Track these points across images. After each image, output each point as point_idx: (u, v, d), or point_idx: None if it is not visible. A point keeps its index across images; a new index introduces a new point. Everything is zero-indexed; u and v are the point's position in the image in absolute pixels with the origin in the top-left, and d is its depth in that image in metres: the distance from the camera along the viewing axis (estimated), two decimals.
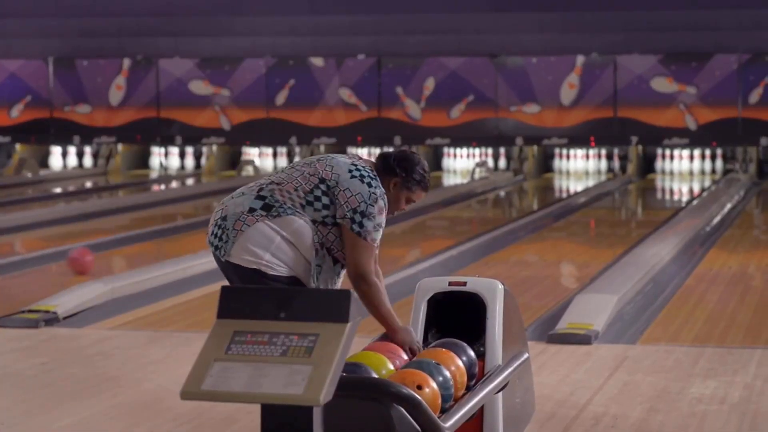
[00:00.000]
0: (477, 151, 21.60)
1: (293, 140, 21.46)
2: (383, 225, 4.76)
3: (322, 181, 4.71)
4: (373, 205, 4.69)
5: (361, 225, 4.67)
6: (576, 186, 19.81)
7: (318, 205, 4.71)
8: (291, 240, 4.69)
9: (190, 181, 21.30)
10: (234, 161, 22.51)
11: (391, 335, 4.84)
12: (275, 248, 4.68)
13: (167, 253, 12.07)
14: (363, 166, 4.79)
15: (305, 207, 4.70)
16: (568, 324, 7.76)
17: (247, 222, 4.68)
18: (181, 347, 7.42)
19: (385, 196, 4.77)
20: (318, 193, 4.70)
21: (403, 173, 4.83)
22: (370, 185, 4.71)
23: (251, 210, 4.69)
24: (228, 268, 4.75)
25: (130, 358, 7.20)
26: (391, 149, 21.66)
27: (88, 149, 22.91)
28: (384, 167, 4.84)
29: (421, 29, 21.44)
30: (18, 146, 22.87)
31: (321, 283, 4.76)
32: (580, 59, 20.50)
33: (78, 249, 10.69)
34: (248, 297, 3.99)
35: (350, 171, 4.73)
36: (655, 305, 8.96)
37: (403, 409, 4.18)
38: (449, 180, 20.73)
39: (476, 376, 4.92)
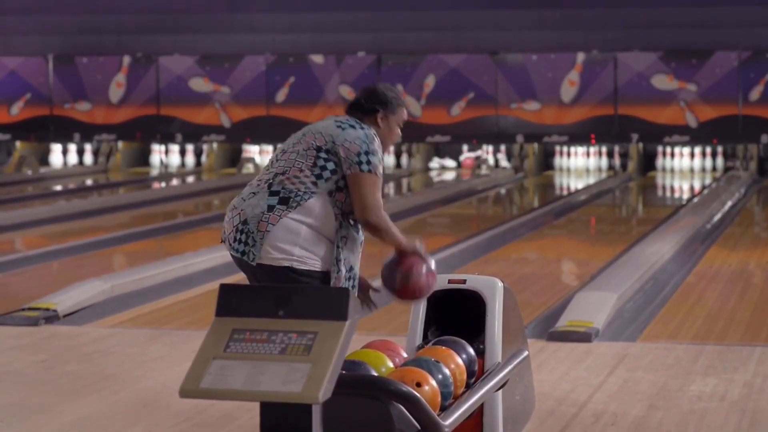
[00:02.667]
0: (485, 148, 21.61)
1: None
2: (383, 160, 4.85)
3: (319, 149, 4.74)
4: (372, 142, 4.78)
5: (369, 162, 4.72)
6: (576, 183, 19.81)
7: (326, 174, 4.72)
8: (315, 226, 4.70)
9: (190, 179, 21.30)
10: (234, 159, 22.50)
11: (400, 250, 4.88)
12: (303, 240, 4.68)
13: (167, 250, 12.07)
14: (346, 119, 4.85)
15: (317, 183, 4.71)
16: (568, 322, 7.76)
17: (270, 221, 4.67)
18: (180, 345, 7.42)
19: (377, 135, 4.85)
20: (321, 162, 4.72)
21: (382, 105, 4.92)
22: (361, 128, 4.79)
23: (270, 208, 4.68)
24: (258, 271, 4.71)
25: (129, 355, 7.19)
26: (391, 147, 21.76)
27: (88, 147, 22.91)
28: (363, 112, 4.90)
29: (421, 26, 21.43)
30: (18, 144, 22.86)
31: (345, 254, 4.77)
32: (580, 56, 20.49)
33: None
34: (247, 295, 3.98)
35: (339, 126, 4.78)
36: (655, 303, 8.96)
37: (402, 407, 4.18)
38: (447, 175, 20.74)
39: (476, 374, 4.92)
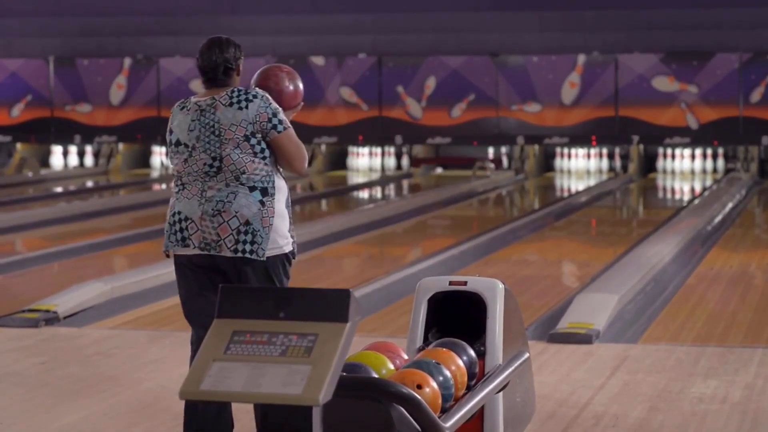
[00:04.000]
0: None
1: None
2: None
3: (248, 137, 4.93)
4: (271, 104, 4.96)
5: (280, 122, 4.95)
6: (577, 185, 19.81)
7: (266, 152, 4.96)
8: (287, 198, 5.04)
9: None
10: None
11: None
12: (289, 219, 5.03)
13: None
14: (230, 95, 4.97)
15: (265, 162, 4.95)
16: (569, 323, 7.76)
17: (269, 215, 4.91)
18: (180, 347, 7.41)
19: (269, 96, 5.01)
20: (260, 147, 4.95)
21: (239, 57, 5.09)
22: (256, 96, 4.95)
23: (261, 203, 4.90)
24: (251, 266, 4.91)
25: (129, 357, 7.19)
26: (392, 149, 21.81)
27: (88, 148, 22.91)
28: (226, 73, 5.04)
29: (422, 28, 21.43)
30: (19, 145, 22.87)
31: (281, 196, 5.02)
32: (581, 58, 20.49)
33: None
34: (248, 296, 3.98)
35: (237, 106, 4.93)
36: (656, 304, 8.95)
37: (403, 409, 4.17)
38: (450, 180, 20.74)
39: (476, 376, 4.91)
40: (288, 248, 4.98)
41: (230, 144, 4.90)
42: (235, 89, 4.98)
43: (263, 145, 4.93)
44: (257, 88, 5.02)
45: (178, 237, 5.03)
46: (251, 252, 4.86)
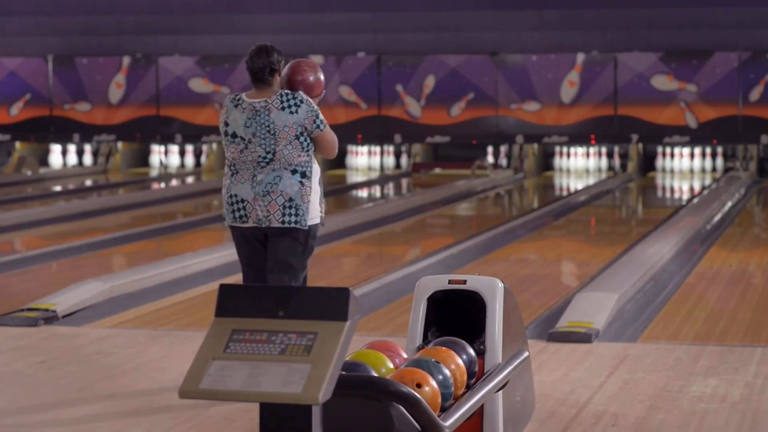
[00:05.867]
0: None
1: None
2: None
3: (297, 137, 6.01)
4: (313, 106, 6.06)
5: (322, 122, 6.09)
6: (576, 184, 19.80)
7: (310, 146, 6.10)
8: (319, 178, 6.18)
9: (190, 180, 21.29)
10: None
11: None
12: (320, 195, 6.19)
13: (167, 251, 12.06)
14: (282, 98, 6.04)
15: (308, 153, 6.07)
16: (568, 322, 7.75)
17: (307, 194, 6.04)
18: (180, 346, 7.41)
19: (306, 95, 6.09)
20: (306, 143, 6.06)
21: (281, 61, 6.23)
22: (301, 100, 6.04)
23: (301, 183, 6.02)
24: (294, 234, 6.03)
25: (129, 356, 7.18)
26: (391, 148, 21.82)
27: (87, 147, 22.90)
28: (271, 74, 6.14)
29: (421, 27, 21.42)
30: (18, 144, 22.86)
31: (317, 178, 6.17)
32: (580, 57, 20.49)
33: None
34: (247, 295, 3.97)
35: (288, 111, 6.01)
36: (655, 303, 8.95)
37: (402, 408, 4.17)
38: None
39: (476, 375, 4.91)
40: (317, 220, 6.13)
41: (283, 141, 6.00)
42: (283, 93, 6.04)
43: (308, 141, 6.06)
44: (300, 93, 6.05)
45: (236, 215, 6.07)
46: (296, 222, 6.00)
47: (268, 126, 5.99)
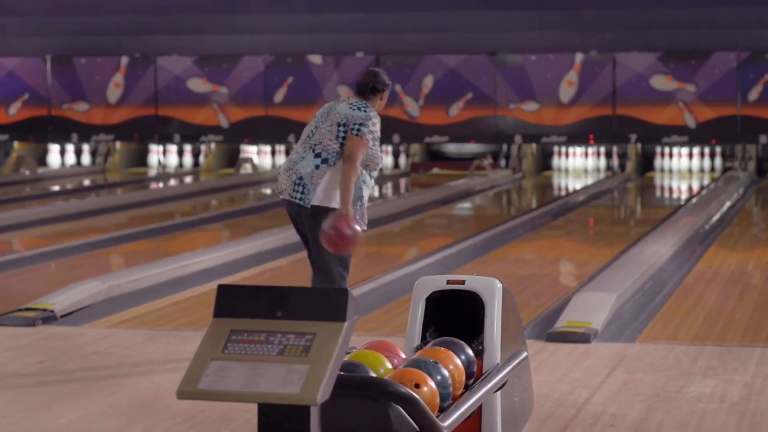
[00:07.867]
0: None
1: (291, 138, 21.43)
2: (376, 135, 6.72)
3: (339, 124, 6.68)
4: (367, 121, 6.67)
5: (359, 130, 6.65)
6: (575, 184, 19.80)
7: (343, 141, 6.66)
8: (359, 188, 6.64)
9: (188, 179, 21.28)
10: (232, 159, 22.49)
11: (340, 210, 6.56)
12: (336, 188, 6.59)
13: (165, 251, 12.05)
14: (356, 101, 6.76)
15: (340, 145, 6.65)
16: (567, 322, 7.74)
17: (318, 176, 6.62)
18: (178, 346, 7.40)
19: (377, 115, 6.73)
20: (342, 135, 6.67)
21: (385, 85, 6.82)
22: (366, 111, 6.71)
23: (317, 167, 6.63)
24: (307, 212, 6.63)
25: (127, 356, 7.18)
26: (389, 148, 21.80)
27: (86, 147, 22.90)
28: (371, 92, 6.79)
29: (419, 27, 21.42)
30: (16, 144, 22.85)
31: (360, 192, 6.68)
32: (579, 57, 20.49)
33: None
34: (245, 295, 3.96)
35: (350, 108, 6.72)
36: (654, 303, 8.94)
37: (401, 408, 4.16)
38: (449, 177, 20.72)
39: (475, 375, 4.90)
40: (327, 204, 6.57)
41: (327, 123, 6.68)
42: (362, 100, 6.76)
43: (344, 135, 6.65)
44: (371, 108, 6.71)
45: (277, 187, 6.86)
46: (301, 200, 6.62)
47: (330, 111, 6.73)
